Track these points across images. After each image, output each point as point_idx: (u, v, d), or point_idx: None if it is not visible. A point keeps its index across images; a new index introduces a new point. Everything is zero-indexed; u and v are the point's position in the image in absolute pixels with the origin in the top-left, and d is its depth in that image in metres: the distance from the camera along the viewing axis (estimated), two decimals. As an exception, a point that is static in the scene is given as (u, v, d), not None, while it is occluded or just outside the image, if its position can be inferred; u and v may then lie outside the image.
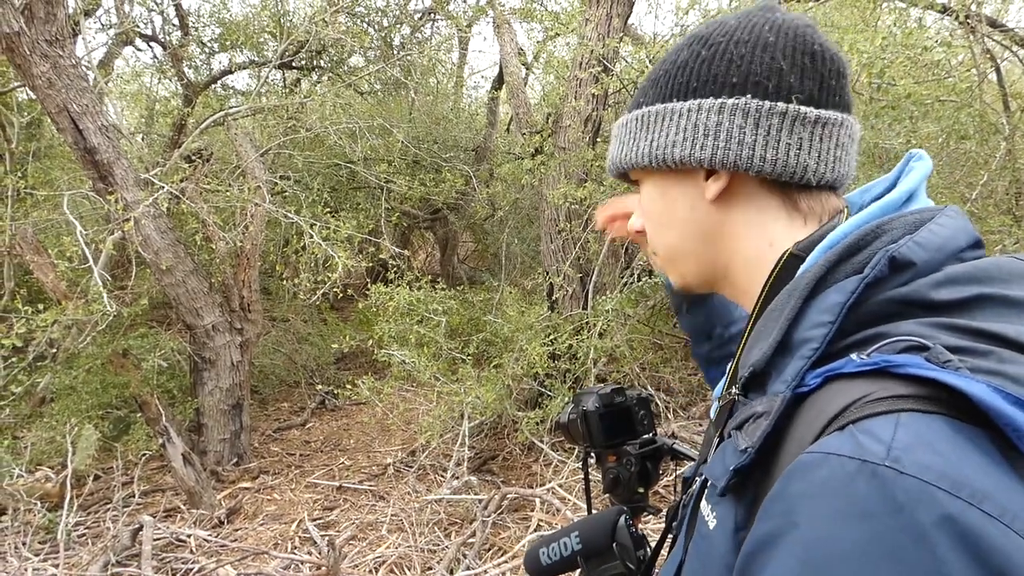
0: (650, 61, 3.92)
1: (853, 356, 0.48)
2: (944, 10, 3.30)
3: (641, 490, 0.99)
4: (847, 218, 0.60)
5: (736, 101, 0.61)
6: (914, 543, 0.37)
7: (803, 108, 0.60)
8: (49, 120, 3.97)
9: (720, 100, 0.62)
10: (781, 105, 0.60)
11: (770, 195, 0.63)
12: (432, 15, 7.17)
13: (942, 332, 0.47)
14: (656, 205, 0.69)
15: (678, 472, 1.04)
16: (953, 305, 0.49)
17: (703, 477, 0.60)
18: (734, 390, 0.59)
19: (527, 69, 7.14)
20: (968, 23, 3.14)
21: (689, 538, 0.60)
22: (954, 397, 0.42)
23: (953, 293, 0.50)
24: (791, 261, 0.59)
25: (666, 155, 0.65)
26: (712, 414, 0.71)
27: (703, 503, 0.57)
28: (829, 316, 0.51)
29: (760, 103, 0.61)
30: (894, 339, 0.48)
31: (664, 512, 0.81)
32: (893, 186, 0.63)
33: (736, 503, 0.51)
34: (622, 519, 0.86)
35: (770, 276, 0.61)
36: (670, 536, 0.74)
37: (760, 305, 0.61)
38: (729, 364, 0.69)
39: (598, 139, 4.39)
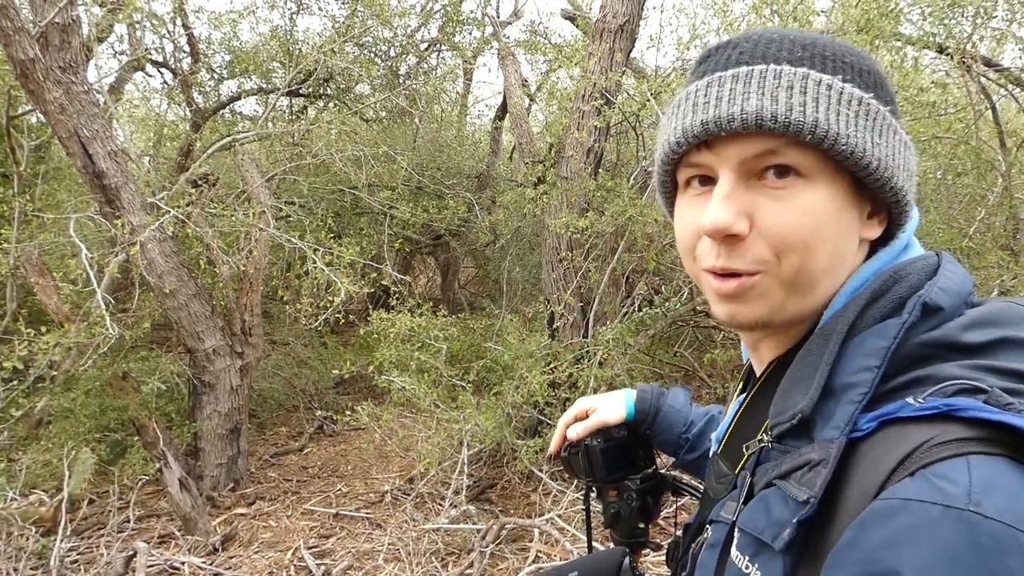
0: (652, 94, 3.98)
1: (909, 400, 0.47)
2: (941, 50, 3.38)
3: (642, 525, 0.99)
4: None
5: (911, 150, 0.60)
6: None
7: None
8: (58, 143, 4.02)
9: (910, 147, 0.59)
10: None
11: None
12: (438, 46, 7.31)
13: (987, 375, 0.47)
14: (828, 217, 0.55)
15: (679, 505, 1.04)
16: (981, 347, 0.50)
17: (730, 525, 0.58)
18: (765, 437, 0.57)
19: (530, 99, 7.25)
20: (964, 62, 3.21)
21: None
22: (1013, 439, 0.42)
23: (980, 336, 0.51)
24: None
25: (894, 176, 0.56)
26: (711, 463, 0.70)
27: (734, 552, 0.55)
28: (875, 360, 0.51)
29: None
30: (945, 383, 0.47)
31: (665, 550, 0.81)
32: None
33: (783, 552, 0.50)
34: (626, 561, 0.85)
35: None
36: None
37: (779, 358, 0.62)
38: (732, 412, 0.69)
39: (599, 170, 4.44)
